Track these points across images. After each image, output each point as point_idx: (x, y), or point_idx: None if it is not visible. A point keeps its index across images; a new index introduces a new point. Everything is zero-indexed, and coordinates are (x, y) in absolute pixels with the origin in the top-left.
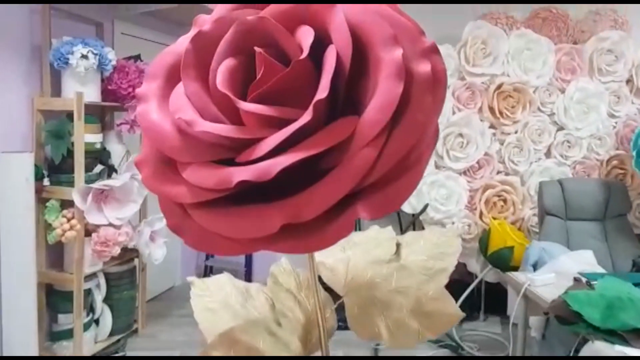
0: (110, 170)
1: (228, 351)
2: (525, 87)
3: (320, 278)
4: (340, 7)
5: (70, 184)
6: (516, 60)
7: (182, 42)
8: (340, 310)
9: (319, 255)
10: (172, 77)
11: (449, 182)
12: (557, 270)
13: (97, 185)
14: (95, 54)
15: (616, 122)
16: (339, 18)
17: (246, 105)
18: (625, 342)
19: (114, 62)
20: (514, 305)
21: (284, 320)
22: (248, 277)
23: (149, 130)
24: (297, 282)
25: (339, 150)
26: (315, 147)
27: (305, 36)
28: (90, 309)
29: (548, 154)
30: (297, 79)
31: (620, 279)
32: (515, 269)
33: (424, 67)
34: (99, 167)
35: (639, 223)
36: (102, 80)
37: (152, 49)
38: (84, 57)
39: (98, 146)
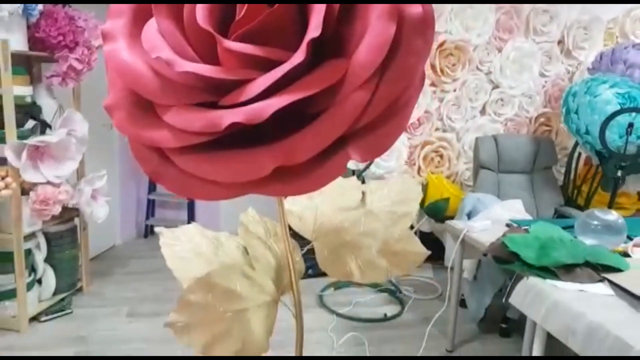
0: (43, 126)
1: (206, 295)
2: (466, 45)
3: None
4: None
5: (1, 140)
6: (459, 18)
7: None
8: (306, 258)
9: (286, 204)
10: (140, 14)
11: None
12: (491, 218)
13: (32, 141)
14: None
15: (546, 82)
16: None
17: (233, 45)
18: (555, 276)
19: (40, 7)
20: (451, 251)
21: (257, 265)
22: None
23: (122, 71)
24: (265, 230)
25: (329, 93)
26: (308, 89)
27: None
28: (32, 269)
29: (483, 112)
30: (284, 17)
31: (550, 224)
32: (450, 219)
33: (415, 9)
34: (30, 123)
35: (560, 175)
36: (28, 27)
37: None
38: None
39: (28, 100)
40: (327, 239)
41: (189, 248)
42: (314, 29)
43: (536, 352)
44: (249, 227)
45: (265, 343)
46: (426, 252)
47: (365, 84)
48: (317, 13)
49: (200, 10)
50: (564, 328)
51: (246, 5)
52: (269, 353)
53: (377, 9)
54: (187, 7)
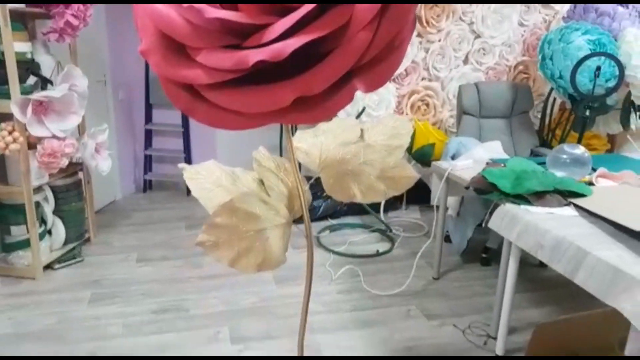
0: (44, 82)
1: (230, 217)
2: None
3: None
4: None
5: (6, 96)
6: None
7: None
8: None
9: (294, 142)
10: None
11: (379, 89)
12: (472, 158)
13: (36, 96)
14: None
15: (524, 31)
16: None
17: None
18: (528, 202)
19: None
20: (437, 191)
21: (272, 193)
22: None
23: (156, 19)
24: (276, 165)
25: (338, 34)
26: (321, 30)
27: None
28: (42, 221)
29: (466, 61)
30: None
31: (525, 159)
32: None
33: None
34: (32, 79)
35: (536, 120)
36: None
37: None
38: None
39: (29, 56)
40: (332, 169)
41: (211, 180)
42: None
43: (511, 270)
44: (261, 162)
45: (282, 257)
46: (417, 176)
47: (368, 26)
48: None
49: None
50: (535, 243)
51: None
52: (277, 288)
53: None
54: None
